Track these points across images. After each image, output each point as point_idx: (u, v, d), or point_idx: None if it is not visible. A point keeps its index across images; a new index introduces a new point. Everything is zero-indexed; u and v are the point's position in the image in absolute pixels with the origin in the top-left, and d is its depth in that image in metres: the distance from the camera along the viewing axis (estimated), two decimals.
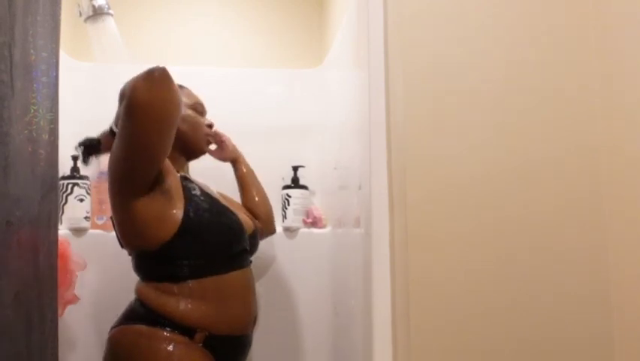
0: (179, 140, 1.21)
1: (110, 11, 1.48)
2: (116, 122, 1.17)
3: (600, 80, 1.07)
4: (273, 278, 1.57)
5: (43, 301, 0.93)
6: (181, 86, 1.30)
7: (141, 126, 1.03)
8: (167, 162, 1.17)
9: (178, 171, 1.22)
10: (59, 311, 1.18)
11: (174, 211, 1.12)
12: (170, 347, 1.08)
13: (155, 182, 1.11)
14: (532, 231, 1.05)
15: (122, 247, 1.21)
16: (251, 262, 1.25)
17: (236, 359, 1.20)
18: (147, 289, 1.15)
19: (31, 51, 0.86)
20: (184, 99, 1.25)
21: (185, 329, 1.10)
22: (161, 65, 1.05)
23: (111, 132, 1.16)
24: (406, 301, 1.00)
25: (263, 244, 1.37)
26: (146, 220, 1.10)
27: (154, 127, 1.04)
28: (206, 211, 1.17)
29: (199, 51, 1.76)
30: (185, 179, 1.22)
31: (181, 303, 1.11)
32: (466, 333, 1.01)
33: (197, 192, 1.20)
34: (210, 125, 1.32)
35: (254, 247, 1.30)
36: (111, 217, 1.20)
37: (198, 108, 1.29)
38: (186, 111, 1.25)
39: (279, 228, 1.62)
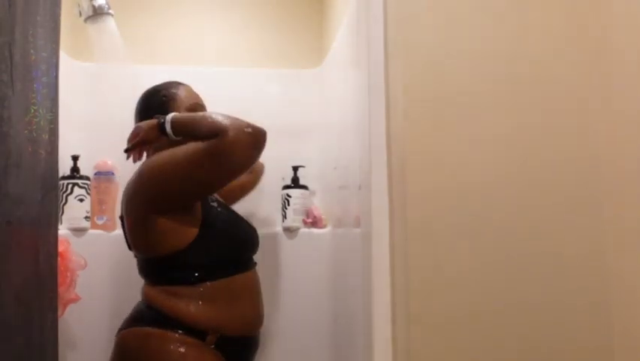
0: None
1: (110, 11, 1.48)
2: (174, 129, 1.11)
3: (601, 81, 1.07)
4: (274, 278, 1.57)
5: (44, 301, 0.93)
6: (181, 84, 1.29)
7: (220, 171, 1.06)
8: None
9: None
10: (60, 311, 1.18)
11: (191, 223, 1.12)
12: (183, 349, 1.07)
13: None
14: (532, 230, 1.04)
15: (129, 249, 1.20)
16: (255, 263, 1.26)
17: (247, 360, 1.20)
18: (156, 292, 1.14)
19: (32, 51, 0.86)
20: (183, 99, 1.24)
21: (196, 332, 1.10)
22: (263, 130, 1.06)
23: (160, 127, 1.13)
24: (405, 301, 1.00)
25: (263, 245, 1.37)
26: (163, 233, 1.10)
27: (228, 176, 1.08)
28: (223, 223, 1.17)
29: (199, 51, 1.76)
30: None
31: (192, 305, 1.10)
32: (466, 333, 1.01)
33: (215, 203, 1.20)
34: None
35: (257, 247, 1.30)
36: (121, 217, 1.20)
37: (198, 109, 1.27)
38: (184, 113, 1.23)
39: (279, 228, 1.62)
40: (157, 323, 1.11)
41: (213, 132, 1.03)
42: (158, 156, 1.11)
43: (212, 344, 1.10)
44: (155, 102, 1.24)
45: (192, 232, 1.11)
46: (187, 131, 1.10)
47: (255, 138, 1.04)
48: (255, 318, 1.20)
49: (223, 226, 1.16)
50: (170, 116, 1.13)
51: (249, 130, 1.03)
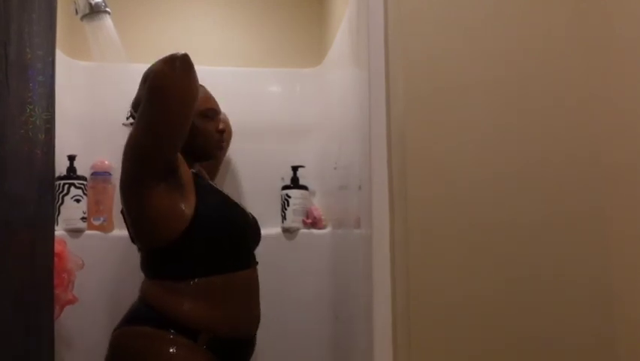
0: (188, 146, 1.20)
1: (107, 9, 1.46)
2: (135, 107, 1.17)
3: (602, 78, 1.07)
4: (273, 279, 1.55)
5: (41, 302, 0.92)
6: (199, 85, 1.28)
7: (162, 109, 1.07)
8: (181, 158, 1.16)
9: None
10: (57, 313, 1.17)
11: (186, 205, 1.11)
12: (173, 350, 1.07)
13: (170, 174, 1.11)
14: (533, 230, 1.04)
15: (132, 241, 1.20)
16: (257, 262, 1.24)
17: None
18: (153, 287, 1.14)
19: (27, 50, 0.85)
20: (197, 103, 1.23)
21: (188, 331, 1.09)
22: (182, 52, 1.09)
23: (133, 117, 1.16)
24: (406, 303, 0.99)
25: (262, 245, 1.36)
26: (159, 212, 1.09)
27: (174, 110, 1.08)
28: (218, 207, 1.17)
29: (198, 50, 1.73)
30: (197, 176, 1.21)
31: (186, 303, 1.10)
32: (466, 334, 1.01)
33: (209, 188, 1.20)
34: (221, 131, 1.28)
35: (258, 239, 1.29)
36: (122, 211, 1.19)
37: (209, 114, 1.26)
38: (195, 121, 1.22)
39: (278, 229, 1.61)
40: (151, 322, 1.10)
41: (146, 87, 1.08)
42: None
43: (204, 345, 1.09)
44: None
45: (187, 215, 1.10)
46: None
47: (169, 59, 1.08)
48: (251, 319, 1.19)
49: (216, 210, 1.16)
50: None
51: (166, 60, 1.08)
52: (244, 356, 1.20)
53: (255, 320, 1.20)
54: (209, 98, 1.28)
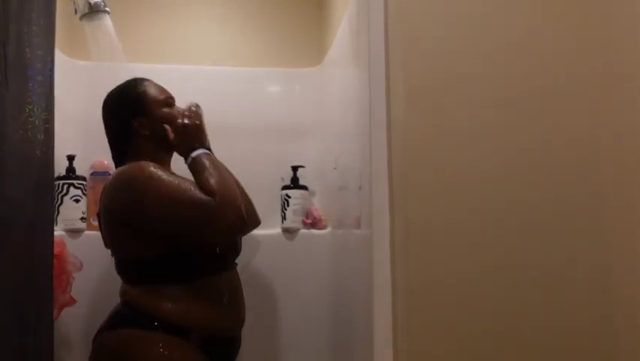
0: (160, 138, 1.18)
1: (107, 9, 1.46)
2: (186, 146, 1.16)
3: (603, 78, 1.07)
4: (273, 280, 1.56)
5: (39, 303, 0.92)
6: (144, 79, 1.24)
7: (202, 230, 1.07)
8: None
9: (164, 165, 1.20)
10: (55, 314, 1.17)
11: None
12: (167, 351, 1.06)
13: None
14: (533, 230, 1.04)
15: (106, 246, 1.19)
16: (236, 264, 1.24)
17: (228, 360, 1.20)
18: (137, 291, 1.13)
19: (26, 49, 0.85)
20: (156, 95, 1.20)
21: (180, 331, 1.08)
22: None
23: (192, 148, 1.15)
24: (406, 303, 0.99)
25: (262, 246, 1.36)
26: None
27: (206, 235, 1.09)
28: None
29: (198, 50, 1.74)
30: None
31: (175, 303, 1.09)
32: (466, 334, 1.01)
33: None
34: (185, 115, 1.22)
35: (239, 247, 1.29)
36: (98, 214, 1.19)
37: (170, 102, 1.22)
38: (159, 112, 1.19)
39: (278, 229, 1.61)
40: (138, 324, 1.09)
41: (211, 192, 1.05)
42: (159, 182, 1.08)
43: (196, 343, 1.09)
44: (131, 100, 1.21)
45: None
46: (196, 170, 1.11)
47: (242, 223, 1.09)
48: (237, 318, 1.19)
49: None
50: (202, 151, 1.14)
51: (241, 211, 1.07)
52: (232, 354, 1.20)
53: (241, 318, 1.20)
54: (163, 88, 1.24)
